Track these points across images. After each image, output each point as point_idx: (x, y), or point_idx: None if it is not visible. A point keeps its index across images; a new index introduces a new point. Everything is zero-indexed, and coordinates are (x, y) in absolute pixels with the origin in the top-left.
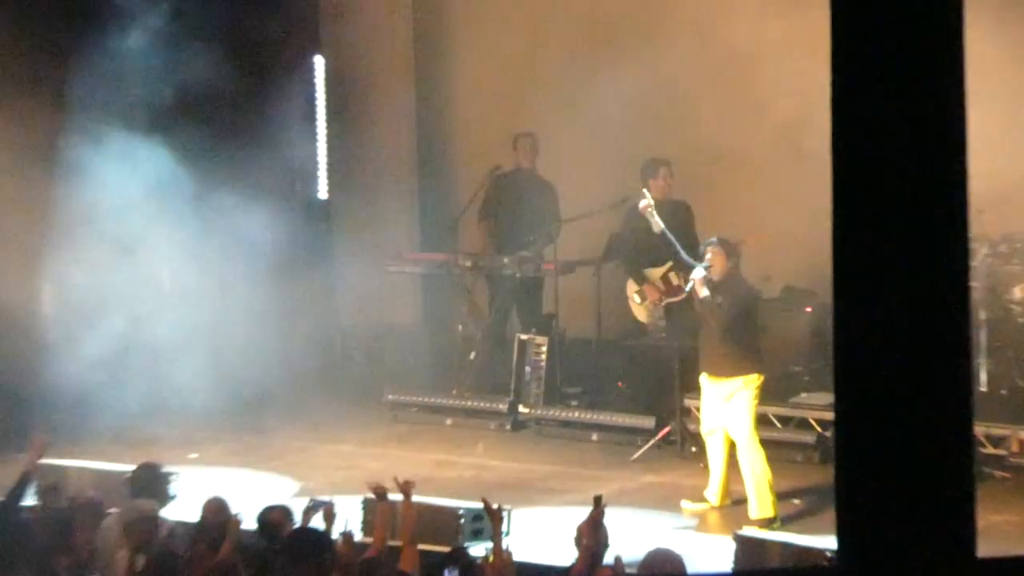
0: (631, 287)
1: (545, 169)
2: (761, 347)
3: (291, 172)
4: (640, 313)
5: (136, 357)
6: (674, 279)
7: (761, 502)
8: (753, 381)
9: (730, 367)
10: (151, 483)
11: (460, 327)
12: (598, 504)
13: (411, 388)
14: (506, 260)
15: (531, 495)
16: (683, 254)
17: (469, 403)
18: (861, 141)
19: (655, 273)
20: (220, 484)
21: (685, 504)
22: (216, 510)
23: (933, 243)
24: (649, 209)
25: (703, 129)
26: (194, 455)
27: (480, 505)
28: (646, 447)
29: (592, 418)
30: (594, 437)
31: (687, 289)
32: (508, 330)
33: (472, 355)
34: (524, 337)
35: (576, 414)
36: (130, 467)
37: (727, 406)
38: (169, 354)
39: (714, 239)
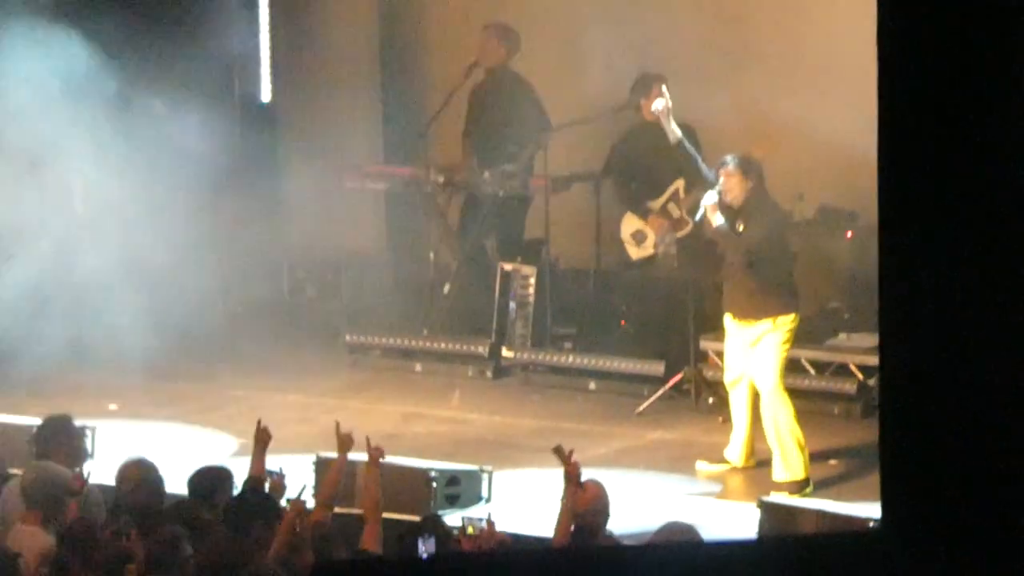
0: (626, 227)
1: (532, 67)
2: (795, 282)
3: (228, 68)
4: (640, 255)
5: (51, 292)
6: (674, 210)
7: (788, 462)
8: (785, 323)
9: (758, 307)
10: (60, 440)
11: (431, 255)
12: (561, 456)
13: (374, 327)
14: (487, 175)
15: (516, 454)
16: (704, 169)
17: (442, 345)
18: (912, 34)
19: (657, 205)
20: (145, 441)
21: (701, 465)
22: (134, 475)
23: (997, 157)
24: (667, 113)
25: (719, 9)
26: (113, 406)
27: (456, 467)
28: (654, 398)
29: (589, 363)
30: (591, 386)
31: (696, 219)
32: (489, 258)
33: (446, 288)
34: (508, 267)
35: (570, 359)
36: (38, 421)
37: (753, 351)
38: (88, 287)
39: (728, 158)
